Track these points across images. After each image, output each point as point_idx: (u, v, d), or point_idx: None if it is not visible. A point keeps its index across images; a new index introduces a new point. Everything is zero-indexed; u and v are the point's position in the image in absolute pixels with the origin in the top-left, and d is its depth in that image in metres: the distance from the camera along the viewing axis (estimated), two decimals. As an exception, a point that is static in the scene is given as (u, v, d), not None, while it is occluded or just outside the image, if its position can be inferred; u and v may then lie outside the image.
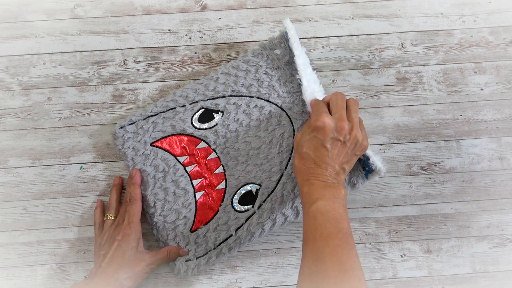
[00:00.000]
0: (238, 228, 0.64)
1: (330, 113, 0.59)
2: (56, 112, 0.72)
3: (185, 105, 0.68)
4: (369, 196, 0.70)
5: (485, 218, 0.69)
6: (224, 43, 0.75)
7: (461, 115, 0.72)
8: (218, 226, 0.64)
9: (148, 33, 0.75)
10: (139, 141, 0.68)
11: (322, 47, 0.75)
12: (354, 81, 0.73)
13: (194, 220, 0.65)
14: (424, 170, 0.71)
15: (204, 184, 0.66)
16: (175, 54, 0.74)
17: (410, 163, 0.71)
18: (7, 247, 0.67)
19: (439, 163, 0.71)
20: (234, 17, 0.76)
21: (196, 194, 0.66)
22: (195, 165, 0.67)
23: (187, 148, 0.67)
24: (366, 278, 0.67)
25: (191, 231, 0.65)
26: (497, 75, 0.74)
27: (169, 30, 0.75)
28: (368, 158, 0.63)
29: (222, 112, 0.68)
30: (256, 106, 0.68)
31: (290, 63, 0.69)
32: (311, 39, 0.75)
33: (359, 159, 0.65)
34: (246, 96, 0.68)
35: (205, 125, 0.68)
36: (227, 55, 0.74)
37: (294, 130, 0.66)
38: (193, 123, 0.68)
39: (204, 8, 0.76)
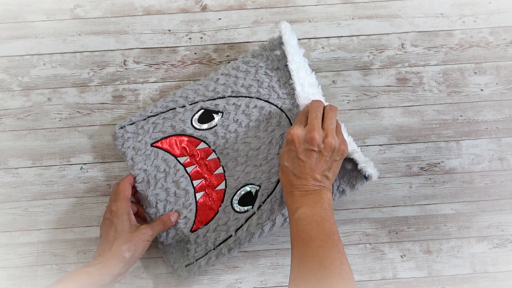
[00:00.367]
0: (238, 228, 0.64)
1: None
2: (56, 112, 0.72)
3: (185, 106, 0.68)
4: (369, 197, 0.70)
5: (485, 219, 0.69)
6: (224, 44, 0.75)
7: (461, 116, 0.72)
8: (218, 226, 0.65)
9: (148, 33, 0.75)
10: (139, 141, 0.68)
11: (322, 47, 0.75)
12: (354, 81, 0.73)
13: (194, 220, 0.65)
14: (424, 170, 0.71)
15: (204, 184, 0.66)
16: (175, 54, 0.74)
17: (410, 164, 0.71)
18: (7, 247, 0.67)
19: (439, 163, 0.71)
20: (234, 17, 0.76)
21: (197, 194, 0.66)
22: (195, 165, 0.67)
23: (187, 149, 0.67)
24: (366, 279, 0.67)
25: (191, 231, 0.65)
26: (497, 75, 0.74)
27: (169, 30, 0.75)
28: (356, 165, 0.63)
29: (222, 112, 0.68)
30: (255, 106, 0.68)
31: (289, 64, 0.69)
32: (311, 39, 0.75)
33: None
34: (246, 97, 0.68)
35: (205, 126, 0.68)
36: (227, 56, 0.74)
37: (294, 130, 0.66)
38: (193, 123, 0.68)
39: (204, 8, 0.76)
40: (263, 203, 0.64)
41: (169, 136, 0.68)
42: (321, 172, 0.58)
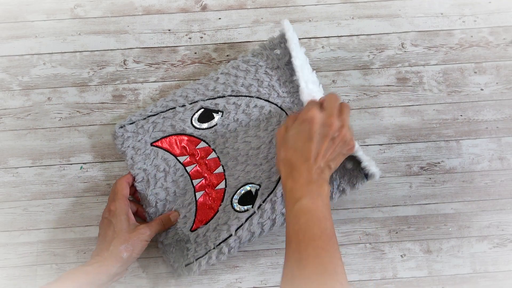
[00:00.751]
0: (238, 228, 0.64)
1: None
2: (56, 112, 0.72)
3: (185, 105, 0.68)
4: (369, 196, 0.70)
5: (485, 218, 0.69)
6: (224, 43, 0.75)
7: (461, 115, 0.72)
8: (218, 226, 0.64)
9: (148, 33, 0.75)
10: (139, 141, 0.68)
11: (322, 47, 0.75)
12: (354, 81, 0.73)
13: (194, 220, 0.65)
14: (424, 170, 0.71)
15: (204, 184, 0.66)
16: (175, 54, 0.74)
17: (410, 163, 0.71)
18: (7, 247, 0.67)
19: (439, 163, 0.71)
20: (234, 17, 0.76)
21: (196, 194, 0.66)
22: (195, 165, 0.67)
23: (187, 148, 0.67)
24: (366, 278, 0.67)
25: (191, 230, 0.65)
26: (497, 75, 0.74)
27: (169, 30, 0.75)
28: (360, 162, 0.63)
29: (222, 112, 0.68)
30: (256, 106, 0.68)
31: (289, 63, 0.69)
32: (311, 39, 0.75)
33: (358, 161, 0.65)
34: (246, 96, 0.68)
35: (205, 125, 0.68)
36: (227, 55, 0.74)
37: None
38: (193, 123, 0.68)
39: (204, 8, 0.76)
40: (264, 202, 0.64)
41: (169, 136, 0.68)
42: (327, 160, 0.56)
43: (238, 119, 0.67)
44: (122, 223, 0.60)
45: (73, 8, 0.76)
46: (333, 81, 0.73)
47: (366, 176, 0.66)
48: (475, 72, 0.74)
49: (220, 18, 0.76)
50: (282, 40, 0.69)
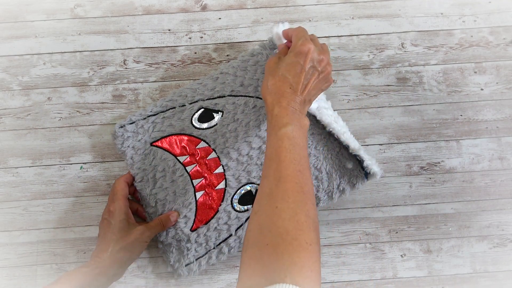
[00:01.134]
0: (238, 228, 0.64)
1: None
2: (56, 112, 0.72)
3: (184, 105, 0.68)
4: (369, 196, 0.70)
5: (485, 218, 0.69)
6: (224, 43, 0.75)
7: (461, 115, 0.72)
8: (218, 225, 0.64)
9: (148, 33, 0.75)
10: (139, 141, 0.68)
11: (322, 47, 0.75)
12: (354, 81, 0.73)
13: (194, 220, 0.65)
14: (424, 170, 0.71)
15: (204, 184, 0.66)
16: (175, 54, 0.74)
17: (410, 163, 0.71)
18: (7, 247, 0.67)
19: (439, 163, 0.71)
20: (234, 17, 0.76)
21: (196, 193, 0.66)
22: (195, 165, 0.67)
23: (187, 148, 0.67)
24: (366, 278, 0.67)
25: (192, 230, 0.65)
26: (497, 75, 0.74)
27: (169, 30, 0.75)
28: (362, 161, 0.63)
29: (222, 112, 0.68)
30: (255, 106, 0.68)
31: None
32: (311, 39, 0.75)
33: (358, 160, 0.66)
34: (246, 96, 0.68)
35: (205, 125, 0.68)
36: (227, 55, 0.74)
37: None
38: (193, 123, 0.68)
39: (204, 8, 0.76)
40: (263, 202, 0.64)
41: (169, 135, 0.68)
42: (310, 94, 0.58)
43: (238, 119, 0.67)
44: (121, 224, 0.60)
45: (73, 8, 0.76)
46: (333, 81, 0.73)
47: (366, 176, 0.66)
48: (475, 72, 0.74)
49: (220, 18, 0.76)
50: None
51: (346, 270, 0.68)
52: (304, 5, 0.76)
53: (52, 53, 0.74)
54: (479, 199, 0.70)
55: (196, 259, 0.64)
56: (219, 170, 0.66)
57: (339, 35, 0.75)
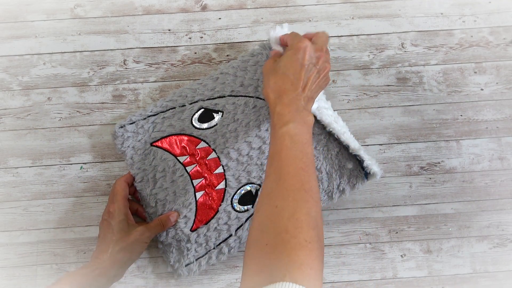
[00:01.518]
0: (238, 228, 0.64)
1: None
2: (56, 112, 0.72)
3: (184, 105, 0.68)
4: (369, 196, 0.70)
5: (485, 218, 0.69)
6: (224, 43, 0.75)
7: (461, 115, 0.72)
8: (218, 225, 0.64)
9: (148, 33, 0.75)
10: (139, 141, 0.68)
11: (322, 47, 0.75)
12: (354, 81, 0.73)
13: (194, 220, 0.65)
14: (424, 170, 0.71)
15: (204, 184, 0.66)
16: (175, 54, 0.74)
17: (410, 163, 0.71)
18: (7, 247, 0.67)
19: (439, 163, 0.71)
20: (234, 17, 0.76)
21: (196, 194, 0.66)
22: (195, 165, 0.67)
23: (187, 148, 0.67)
24: (366, 278, 0.67)
25: (192, 230, 0.65)
26: (497, 75, 0.74)
27: (169, 30, 0.75)
28: (362, 161, 0.63)
29: (222, 112, 0.68)
30: (255, 106, 0.68)
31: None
32: (311, 39, 0.75)
33: (358, 160, 0.66)
34: (246, 96, 0.68)
35: (205, 125, 0.68)
36: (227, 55, 0.74)
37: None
38: (193, 123, 0.68)
39: (204, 8, 0.76)
40: (263, 202, 0.64)
41: (169, 136, 0.68)
42: (312, 92, 0.59)
43: (238, 119, 0.67)
44: (121, 225, 0.60)
45: (73, 8, 0.76)
46: (333, 81, 0.73)
47: (366, 176, 0.66)
48: (475, 72, 0.74)
49: (220, 18, 0.76)
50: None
51: (346, 270, 0.68)
52: (304, 5, 0.76)
53: (52, 53, 0.74)
54: (479, 199, 0.70)
55: (196, 259, 0.64)
56: (219, 170, 0.66)
57: (339, 35, 0.75)
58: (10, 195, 0.69)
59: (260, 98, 0.68)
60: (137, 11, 0.76)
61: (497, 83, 0.74)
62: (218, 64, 0.74)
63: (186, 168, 0.66)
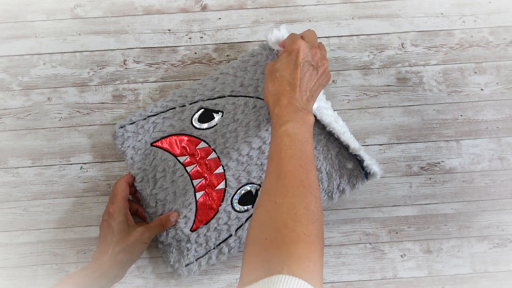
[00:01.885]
0: (238, 228, 0.64)
1: None
2: (56, 112, 0.72)
3: (184, 105, 0.68)
4: (369, 196, 0.70)
5: (486, 218, 0.69)
6: (224, 43, 0.75)
7: (461, 115, 0.72)
8: (218, 226, 0.64)
9: (148, 33, 0.75)
10: (139, 141, 0.68)
11: (322, 47, 0.75)
12: (354, 81, 0.73)
13: (194, 220, 0.65)
14: (424, 170, 0.71)
15: (204, 184, 0.66)
16: (175, 54, 0.74)
17: (410, 163, 0.71)
18: (7, 247, 0.67)
19: (439, 163, 0.71)
20: (234, 17, 0.76)
21: (196, 194, 0.66)
22: (195, 165, 0.67)
23: (187, 148, 0.67)
24: (366, 279, 0.67)
25: (192, 230, 0.65)
26: (497, 75, 0.74)
27: (169, 30, 0.75)
28: (362, 161, 0.64)
29: (222, 112, 0.68)
30: (255, 106, 0.68)
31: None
32: (311, 39, 0.75)
33: (358, 160, 0.66)
34: (246, 96, 0.68)
35: (205, 125, 0.68)
36: (227, 55, 0.74)
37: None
38: (193, 123, 0.68)
39: (204, 8, 0.76)
40: (263, 202, 0.64)
41: (169, 136, 0.68)
42: (311, 89, 0.59)
43: (238, 119, 0.67)
44: (121, 225, 0.60)
45: (73, 8, 0.76)
46: (333, 81, 0.73)
47: (366, 176, 0.66)
48: (475, 72, 0.74)
49: (220, 18, 0.76)
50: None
51: (346, 270, 0.68)
52: (304, 5, 0.76)
53: (52, 53, 0.74)
54: (479, 199, 0.70)
55: (196, 259, 0.64)
56: (219, 170, 0.66)
57: (339, 35, 0.75)
58: (10, 195, 0.69)
59: (260, 98, 0.68)
60: (137, 11, 0.76)
61: (497, 83, 0.74)
62: (218, 64, 0.74)
63: (186, 168, 0.66)
